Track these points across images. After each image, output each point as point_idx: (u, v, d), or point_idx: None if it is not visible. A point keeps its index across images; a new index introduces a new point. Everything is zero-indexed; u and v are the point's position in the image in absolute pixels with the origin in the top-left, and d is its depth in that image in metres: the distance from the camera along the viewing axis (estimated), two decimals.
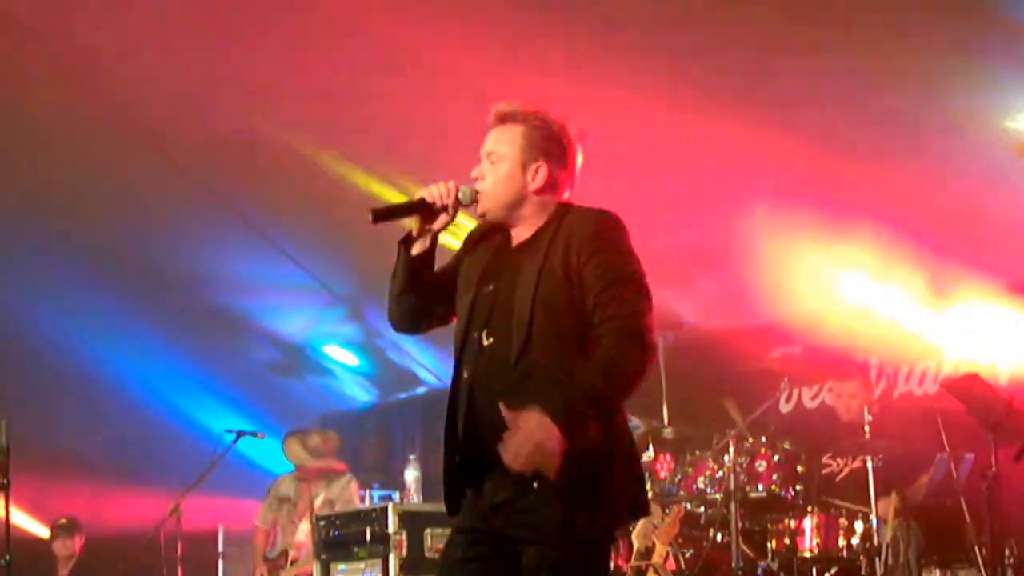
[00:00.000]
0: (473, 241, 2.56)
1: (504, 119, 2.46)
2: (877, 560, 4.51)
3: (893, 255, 5.22)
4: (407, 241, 2.48)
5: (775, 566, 4.64)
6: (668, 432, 5.10)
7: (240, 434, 5.64)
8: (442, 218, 2.47)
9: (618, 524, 2.40)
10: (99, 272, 5.97)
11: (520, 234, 2.47)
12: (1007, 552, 4.45)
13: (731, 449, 4.57)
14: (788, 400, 5.85)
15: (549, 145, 2.44)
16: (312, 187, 5.44)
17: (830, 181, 4.97)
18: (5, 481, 3.93)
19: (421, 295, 2.51)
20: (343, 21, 4.42)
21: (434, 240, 2.49)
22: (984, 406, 4.49)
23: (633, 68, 4.43)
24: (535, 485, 2.26)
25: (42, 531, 6.79)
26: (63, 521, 6.41)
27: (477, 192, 2.45)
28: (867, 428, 4.68)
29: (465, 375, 2.39)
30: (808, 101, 4.76)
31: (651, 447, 4.95)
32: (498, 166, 2.44)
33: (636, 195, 4.66)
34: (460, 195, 2.45)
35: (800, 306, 5.70)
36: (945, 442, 4.55)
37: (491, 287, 2.43)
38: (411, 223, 2.48)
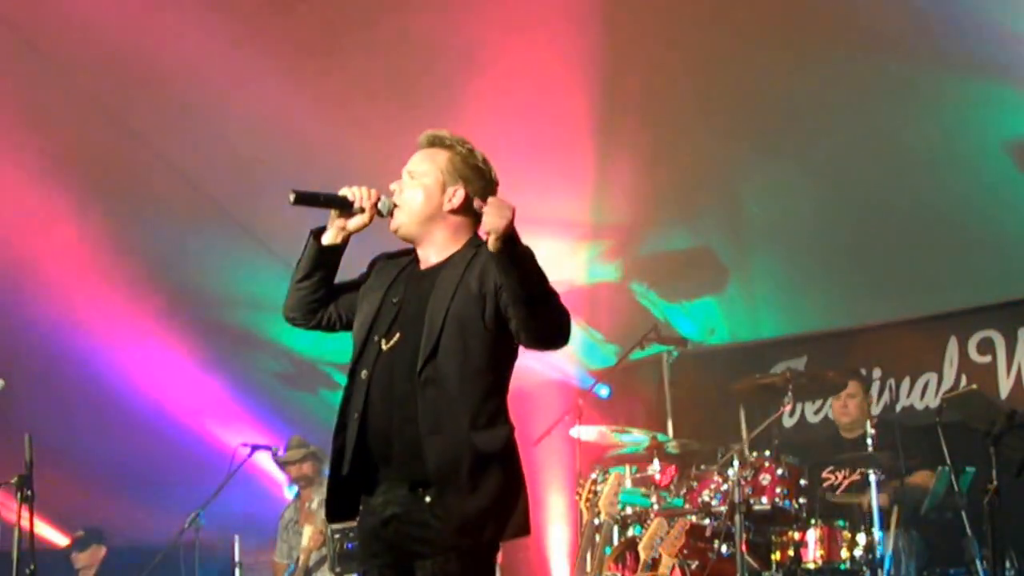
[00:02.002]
0: (378, 265, 2.66)
1: (432, 143, 2.58)
2: (879, 572, 4.57)
3: None
4: (318, 232, 2.60)
5: None
6: (672, 446, 5.17)
7: (255, 448, 5.79)
8: (359, 218, 2.56)
9: (510, 539, 2.46)
10: (119, 291, 6.10)
11: (429, 257, 2.56)
12: (1008, 564, 4.50)
13: (735, 463, 4.64)
14: (792, 414, 5.93)
15: (471, 173, 2.55)
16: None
17: None
18: (30, 493, 4.02)
19: (320, 288, 2.60)
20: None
21: (346, 239, 2.59)
22: (985, 420, 4.55)
23: None
24: (427, 500, 2.37)
25: (64, 542, 6.92)
26: (84, 532, 6.54)
27: (395, 205, 2.56)
28: (869, 441, 4.76)
29: (363, 375, 2.48)
30: None
31: (656, 461, 5.02)
32: (417, 181, 2.55)
33: None
34: (379, 203, 2.56)
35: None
36: (946, 455, 4.62)
37: (396, 299, 2.53)
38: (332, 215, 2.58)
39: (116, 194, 5.64)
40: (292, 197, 2.52)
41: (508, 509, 2.42)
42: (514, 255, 2.31)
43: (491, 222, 2.30)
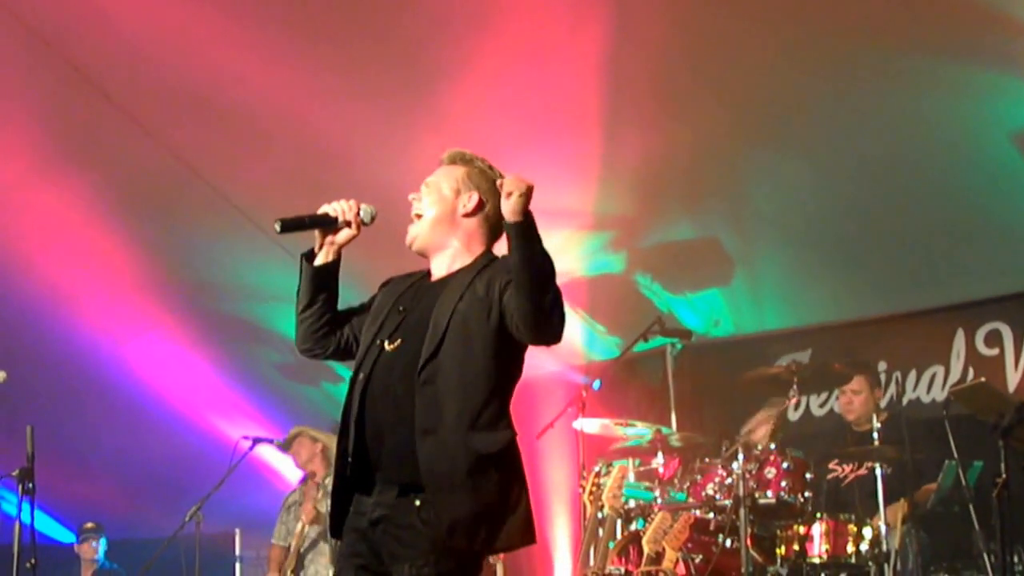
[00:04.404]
0: (389, 285, 2.67)
1: (453, 160, 2.62)
2: (886, 566, 4.54)
3: None
4: (310, 256, 2.60)
5: (784, 572, 4.66)
6: (676, 439, 5.14)
7: (256, 441, 5.78)
8: (346, 232, 2.59)
9: (507, 548, 2.43)
10: (120, 282, 6.08)
11: (440, 269, 2.57)
12: (1016, 559, 4.47)
13: (740, 456, 4.61)
14: (797, 407, 5.89)
15: (488, 186, 2.57)
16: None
17: None
18: (31, 485, 4.02)
19: (325, 313, 2.59)
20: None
21: (337, 254, 2.60)
22: (994, 412, 4.51)
23: None
24: (416, 503, 2.34)
25: (67, 535, 6.92)
26: (90, 524, 6.56)
27: (375, 214, 2.59)
28: (875, 435, 4.72)
29: (361, 376, 2.48)
30: None
31: (660, 454, 4.99)
32: (433, 189, 2.58)
33: None
34: (362, 213, 2.58)
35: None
36: (954, 449, 4.58)
37: (403, 308, 2.54)
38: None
39: (119, 186, 5.63)
40: (278, 226, 2.54)
41: (504, 515, 2.37)
42: (528, 224, 2.32)
43: (511, 183, 2.31)
